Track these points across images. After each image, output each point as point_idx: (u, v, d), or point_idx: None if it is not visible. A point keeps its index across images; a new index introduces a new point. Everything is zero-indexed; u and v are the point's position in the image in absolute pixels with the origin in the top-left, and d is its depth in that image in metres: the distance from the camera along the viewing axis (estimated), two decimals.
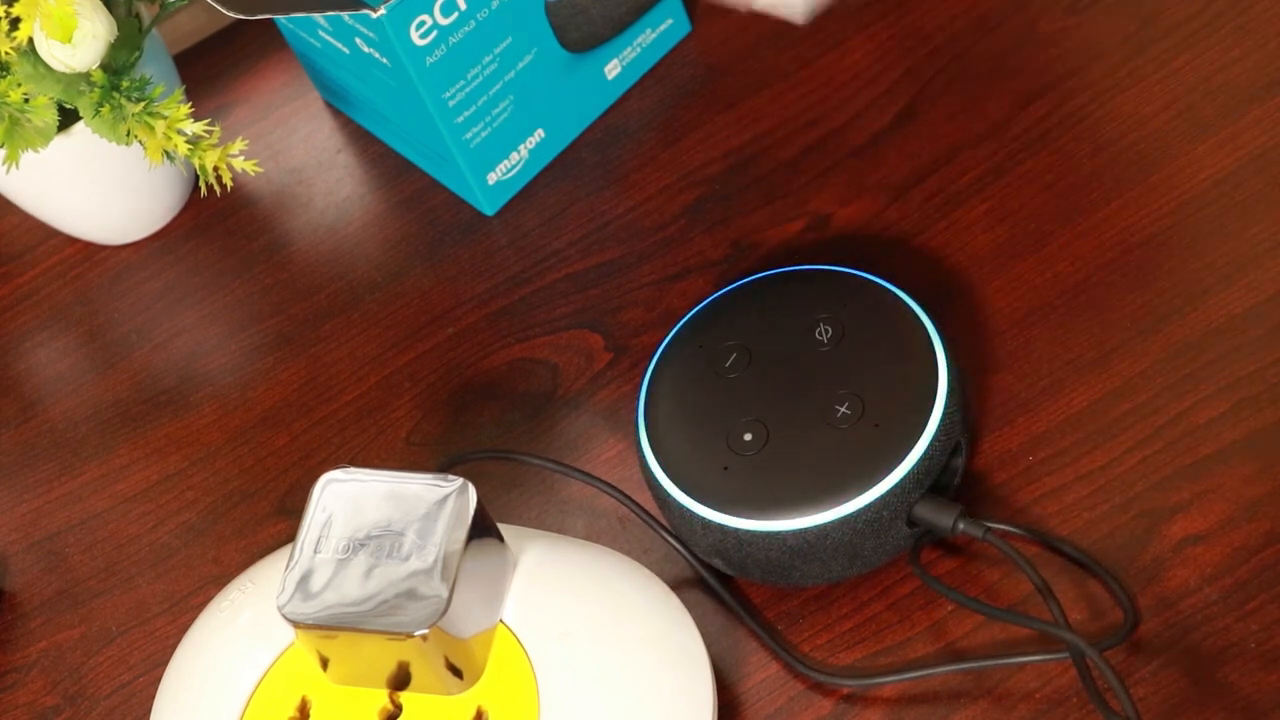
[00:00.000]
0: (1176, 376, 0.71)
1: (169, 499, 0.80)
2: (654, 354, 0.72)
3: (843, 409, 0.67)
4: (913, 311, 0.70)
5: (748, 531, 0.67)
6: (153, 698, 0.74)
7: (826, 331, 0.70)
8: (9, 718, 0.76)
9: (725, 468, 0.67)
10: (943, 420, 0.67)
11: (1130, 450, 0.70)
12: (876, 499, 0.66)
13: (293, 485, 0.79)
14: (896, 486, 0.66)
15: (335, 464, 0.79)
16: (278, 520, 0.78)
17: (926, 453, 0.66)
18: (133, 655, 0.76)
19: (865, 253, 0.79)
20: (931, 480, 0.67)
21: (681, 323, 0.73)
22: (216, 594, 0.71)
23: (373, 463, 0.79)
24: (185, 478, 0.81)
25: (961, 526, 0.67)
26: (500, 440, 0.78)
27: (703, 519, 0.67)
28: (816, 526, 0.66)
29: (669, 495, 0.68)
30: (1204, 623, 0.65)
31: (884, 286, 0.71)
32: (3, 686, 0.77)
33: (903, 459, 0.66)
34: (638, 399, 0.71)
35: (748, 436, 0.68)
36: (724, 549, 0.68)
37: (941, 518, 0.67)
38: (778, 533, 0.66)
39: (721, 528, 0.67)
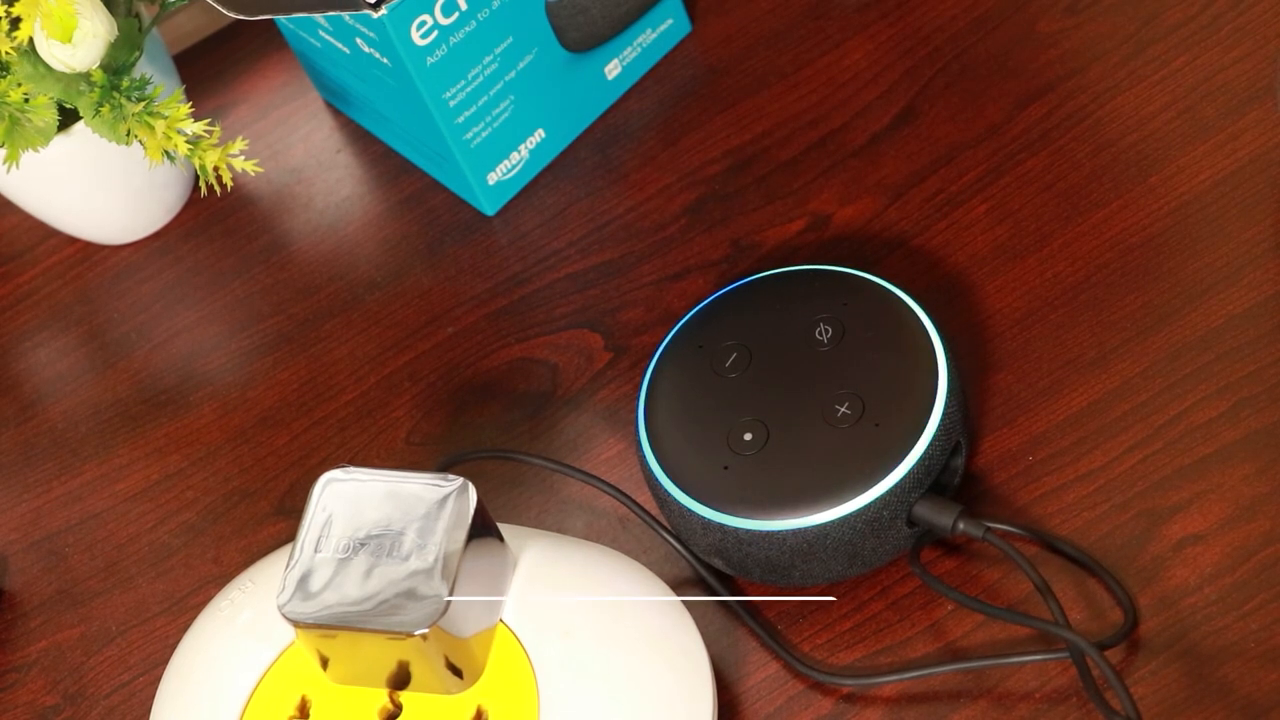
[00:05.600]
0: (1176, 376, 0.71)
1: (169, 498, 0.80)
2: (654, 354, 0.72)
3: (843, 409, 0.67)
4: (912, 311, 0.70)
5: (747, 531, 0.67)
6: (153, 697, 0.74)
7: (826, 331, 0.70)
8: (9, 717, 0.76)
9: (725, 467, 0.68)
10: (943, 420, 0.67)
11: (1130, 450, 0.70)
12: (876, 499, 0.66)
13: (293, 485, 0.79)
14: (896, 486, 0.66)
15: (335, 464, 0.79)
16: (277, 520, 0.78)
17: (926, 452, 0.66)
18: (132, 655, 0.76)
19: (865, 253, 0.79)
20: (931, 480, 0.67)
21: (681, 322, 0.73)
22: (216, 593, 0.71)
23: (373, 462, 0.79)
24: (185, 477, 0.81)
25: (961, 526, 0.67)
26: (500, 440, 0.78)
27: (702, 519, 0.67)
28: (816, 526, 0.66)
29: (669, 495, 0.68)
30: (1203, 622, 0.65)
31: (884, 286, 0.71)
32: (3, 686, 0.77)
33: (903, 459, 0.66)
34: (638, 399, 0.71)
35: (748, 436, 0.68)
36: (724, 549, 0.68)
37: (941, 517, 0.67)
38: (777, 532, 0.66)
39: (721, 527, 0.67)
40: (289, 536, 0.78)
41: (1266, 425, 0.69)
